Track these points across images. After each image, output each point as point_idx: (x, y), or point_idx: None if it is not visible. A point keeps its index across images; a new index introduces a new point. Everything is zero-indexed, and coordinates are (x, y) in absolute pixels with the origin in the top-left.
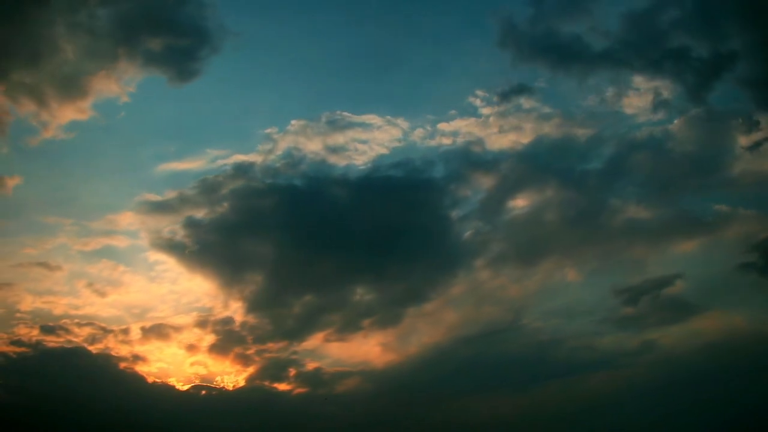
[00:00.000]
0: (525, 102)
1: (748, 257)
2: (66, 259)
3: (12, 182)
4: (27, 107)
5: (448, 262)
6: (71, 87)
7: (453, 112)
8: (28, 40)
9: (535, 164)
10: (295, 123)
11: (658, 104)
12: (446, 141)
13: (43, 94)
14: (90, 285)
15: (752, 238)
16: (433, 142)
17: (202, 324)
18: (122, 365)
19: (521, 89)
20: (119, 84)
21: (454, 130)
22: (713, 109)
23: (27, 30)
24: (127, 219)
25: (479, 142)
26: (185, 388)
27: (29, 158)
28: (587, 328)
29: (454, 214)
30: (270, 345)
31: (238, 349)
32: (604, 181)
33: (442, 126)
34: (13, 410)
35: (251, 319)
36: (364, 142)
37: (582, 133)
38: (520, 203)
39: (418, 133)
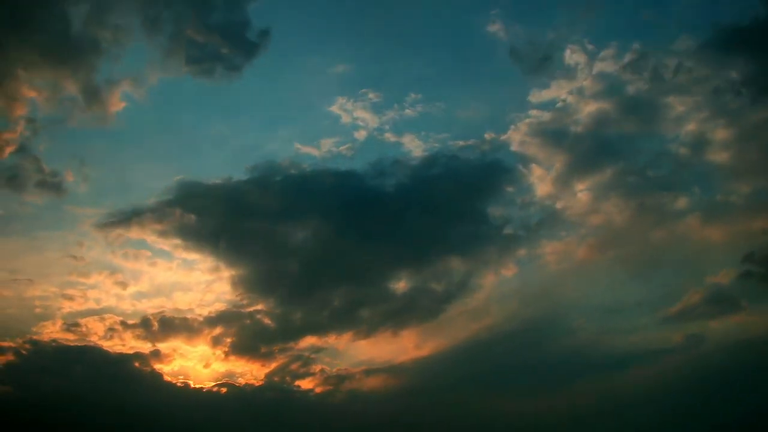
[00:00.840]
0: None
1: None
2: (89, 250)
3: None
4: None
5: (498, 253)
6: (115, 79)
7: (548, 76)
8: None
9: (614, 140)
10: (363, 97)
11: None
12: (535, 113)
13: (88, 87)
14: (113, 276)
15: None
16: (516, 116)
17: (226, 319)
18: (141, 362)
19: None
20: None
21: (542, 102)
22: None
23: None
24: (160, 208)
25: (566, 110)
26: (208, 385)
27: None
28: (637, 323)
29: (519, 199)
30: (296, 340)
31: (262, 345)
32: (682, 159)
33: (534, 96)
34: (30, 409)
35: (278, 314)
36: (435, 119)
37: (677, 101)
38: (586, 186)
39: (502, 106)
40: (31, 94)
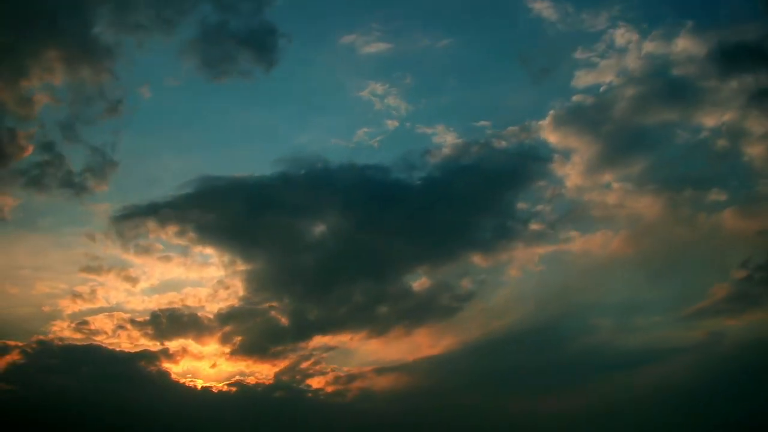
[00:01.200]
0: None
1: None
2: (103, 246)
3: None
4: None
5: (521, 249)
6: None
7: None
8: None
9: (650, 129)
10: (396, 82)
11: None
12: (577, 98)
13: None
14: (125, 272)
15: None
16: (558, 102)
17: (237, 316)
18: (149, 361)
19: None
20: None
21: (588, 86)
22: None
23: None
24: (177, 202)
25: (609, 94)
26: (218, 385)
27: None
28: (660, 321)
29: (547, 192)
30: (308, 339)
31: (273, 344)
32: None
33: (579, 80)
34: (34, 409)
35: (291, 311)
36: (472, 105)
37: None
38: (616, 178)
39: (545, 91)
40: (51, 93)
